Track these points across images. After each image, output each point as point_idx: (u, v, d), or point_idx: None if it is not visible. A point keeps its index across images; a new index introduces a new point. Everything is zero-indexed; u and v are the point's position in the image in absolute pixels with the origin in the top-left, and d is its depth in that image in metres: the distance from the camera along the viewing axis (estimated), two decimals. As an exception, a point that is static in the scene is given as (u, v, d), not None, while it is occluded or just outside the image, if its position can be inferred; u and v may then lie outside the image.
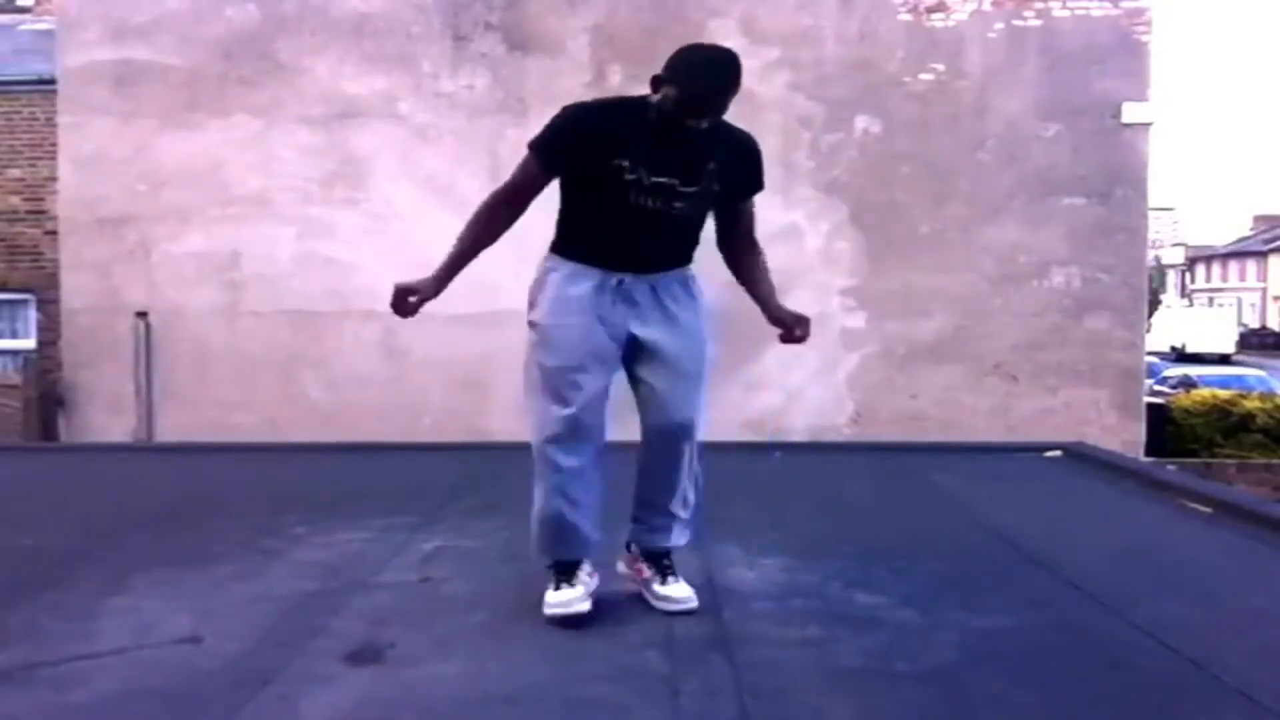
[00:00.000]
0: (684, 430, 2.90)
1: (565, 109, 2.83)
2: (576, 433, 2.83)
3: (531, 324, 2.90)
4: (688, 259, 2.94)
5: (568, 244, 2.89)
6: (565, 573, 2.93)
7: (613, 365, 2.87)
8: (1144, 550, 3.90)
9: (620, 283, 2.83)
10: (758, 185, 2.95)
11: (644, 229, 2.79)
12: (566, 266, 2.87)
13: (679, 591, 2.99)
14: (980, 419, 8.93)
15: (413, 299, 2.87)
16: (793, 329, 3.01)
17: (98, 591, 3.20)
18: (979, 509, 4.43)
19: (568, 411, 2.81)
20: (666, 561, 3.04)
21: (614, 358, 2.87)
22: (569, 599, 2.87)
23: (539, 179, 2.84)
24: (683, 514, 3.03)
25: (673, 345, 2.86)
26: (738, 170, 2.86)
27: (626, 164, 2.72)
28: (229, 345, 9.34)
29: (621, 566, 3.13)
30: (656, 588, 3.00)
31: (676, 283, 2.90)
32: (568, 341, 2.82)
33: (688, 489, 3.01)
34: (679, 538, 3.06)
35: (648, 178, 2.74)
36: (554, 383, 2.82)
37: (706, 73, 2.69)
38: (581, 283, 2.83)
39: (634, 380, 2.93)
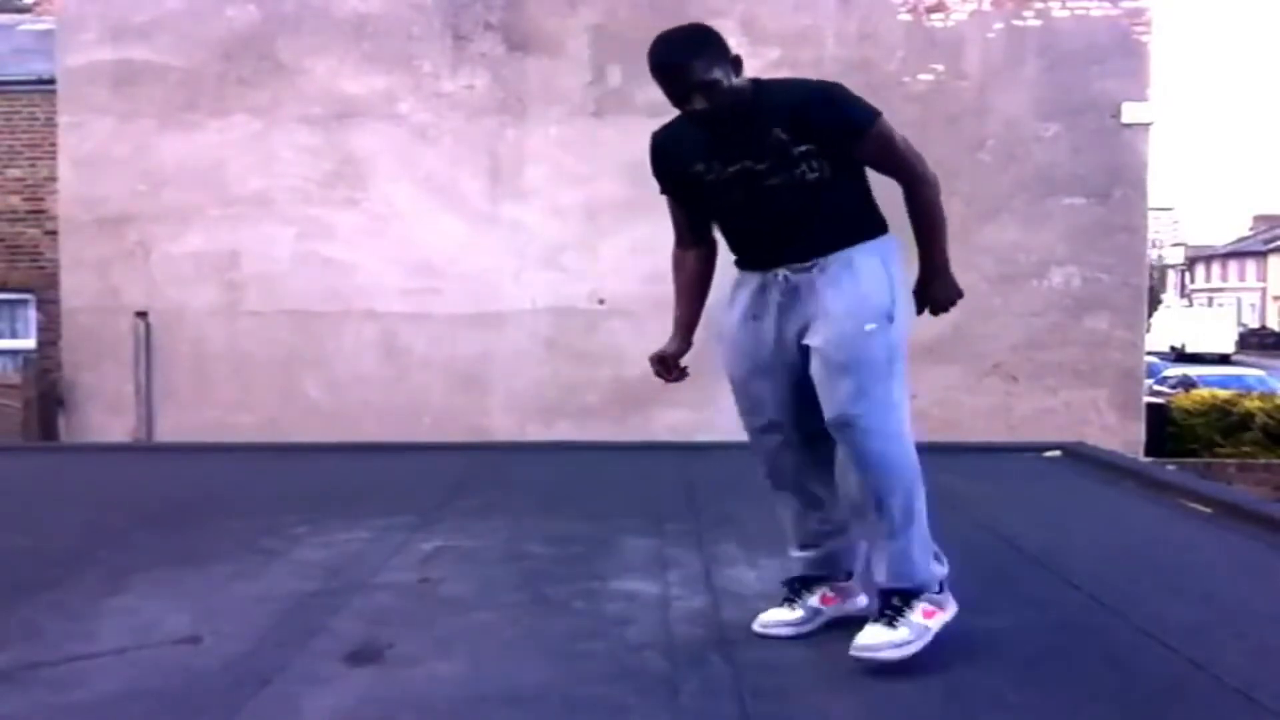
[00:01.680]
0: (837, 427, 2.56)
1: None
2: (760, 444, 2.80)
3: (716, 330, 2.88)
4: (850, 231, 2.64)
5: (733, 255, 2.81)
6: (792, 589, 2.84)
7: (785, 368, 2.68)
8: (1144, 550, 3.89)
9: (777, 278, 2.66)
10: (848, 125, 2.60)
11: (761, 219, 2.65)
12: (738, 277, 2.79)
13: (869, 636, 2.54)
14: (980, 419, 8.92)
15: (669, 368, 2.84)
16: (922, 305, 2.74)
17: (98, 591, 3.20)
18: (979, 509, 4.42)
19: (749, 423, 2.80)
20: (896, 600, 2.59)
21: (784, 360, 2.68)
22: (767, 620, 2.80)
23: (672, 206, 2.84)
24: (885, 539, 2.62)
25: (821, 336, 2.59)
26: (809, 123, 2.57)
27: (701, 167, 2.66)
28: (229, 345, 9.34)
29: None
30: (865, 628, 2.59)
31: (839, 264, 2.62)
32: (732, 352, 2.77)
33: (886, 504, 2.59)
34: (883, 569, 2.63)
35: (724, 171, 2.64)
36: (736, 396, 2.81)
37: (648, 61, 2.59)
38: (742, 291, 2.75)
39: None
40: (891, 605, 2.58)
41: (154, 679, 2.51)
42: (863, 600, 2.83)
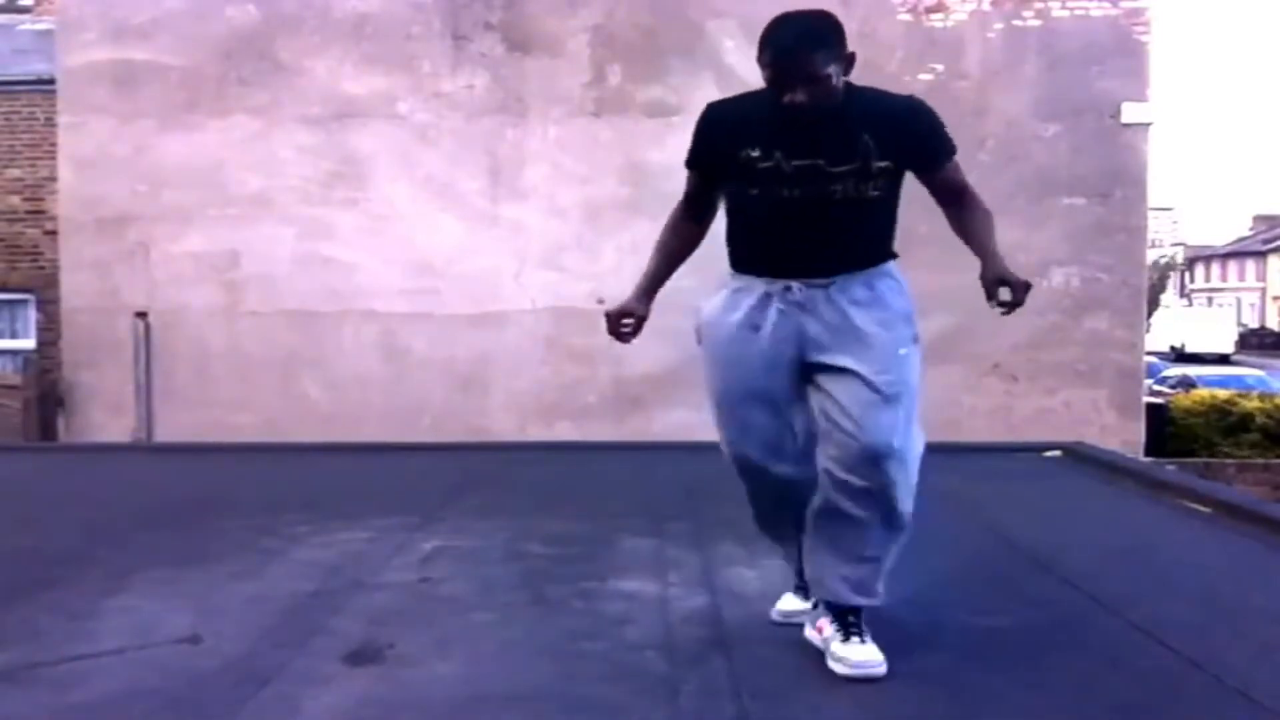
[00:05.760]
0: (874, 458, 2.45)
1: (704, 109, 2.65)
2: (746, 470, 2.69)
3: (697, 335, 2.69)
4: (875, 255, 2.56)
5: (733, 256, 2.63)
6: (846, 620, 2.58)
7: (782, 387, 2.57)
8: (1144, 550, 3.89)
9: (788, 290, 2.52)
10: (938, 152, 2.55)
11: (803, 224, 2.48)
12: (735, 282, 2.62)
13: (858, 653, 2.49)
14: (980, 419, 8.92)
15: (627, 321, 2.66)
16: (996, 292, 2.48)
17: (98, 591, 3.20)
18: (979, 509, 4.43)
19: (732, 446, 2.66)
20: (852, 618, 2.56)
21: (783, 380, 2.57)
22: (787, 610, 2.84)
23: (695, 183, 2.67)
24: (872, 564, 2.57)
25: (853, 360, 2.47)
26: (900, 140, 2.48)
27: (757, 153, 2.46)
28: (229, 345, 9.34)
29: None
30: (834, 646, 2.54)
31: (860, 284, 2.52)
32: (723, 368, 2.61)
33: (888, 539, 2.57)
34: (860, 594, 2.57)
35: (788, 163, 2.44)
36: (716, 410, 2.66)
37: (768, 38, 2.40)
38: (743, 297, 2.57)
39: (815, 403, 2.55)
40: (854, 620, 2.56)
41: (154, 679, 2.51)
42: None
